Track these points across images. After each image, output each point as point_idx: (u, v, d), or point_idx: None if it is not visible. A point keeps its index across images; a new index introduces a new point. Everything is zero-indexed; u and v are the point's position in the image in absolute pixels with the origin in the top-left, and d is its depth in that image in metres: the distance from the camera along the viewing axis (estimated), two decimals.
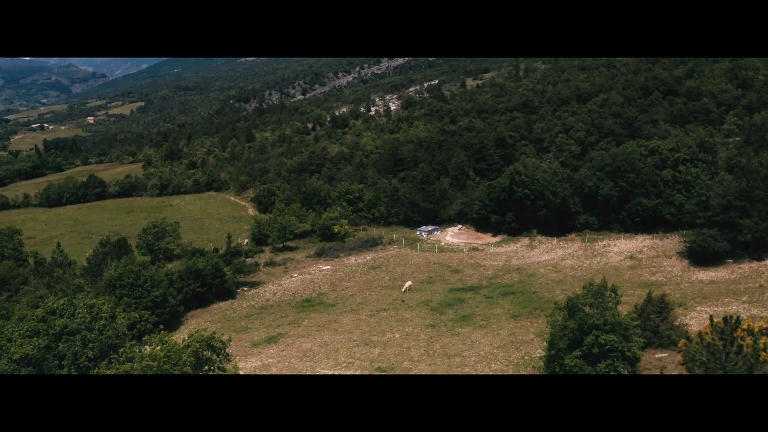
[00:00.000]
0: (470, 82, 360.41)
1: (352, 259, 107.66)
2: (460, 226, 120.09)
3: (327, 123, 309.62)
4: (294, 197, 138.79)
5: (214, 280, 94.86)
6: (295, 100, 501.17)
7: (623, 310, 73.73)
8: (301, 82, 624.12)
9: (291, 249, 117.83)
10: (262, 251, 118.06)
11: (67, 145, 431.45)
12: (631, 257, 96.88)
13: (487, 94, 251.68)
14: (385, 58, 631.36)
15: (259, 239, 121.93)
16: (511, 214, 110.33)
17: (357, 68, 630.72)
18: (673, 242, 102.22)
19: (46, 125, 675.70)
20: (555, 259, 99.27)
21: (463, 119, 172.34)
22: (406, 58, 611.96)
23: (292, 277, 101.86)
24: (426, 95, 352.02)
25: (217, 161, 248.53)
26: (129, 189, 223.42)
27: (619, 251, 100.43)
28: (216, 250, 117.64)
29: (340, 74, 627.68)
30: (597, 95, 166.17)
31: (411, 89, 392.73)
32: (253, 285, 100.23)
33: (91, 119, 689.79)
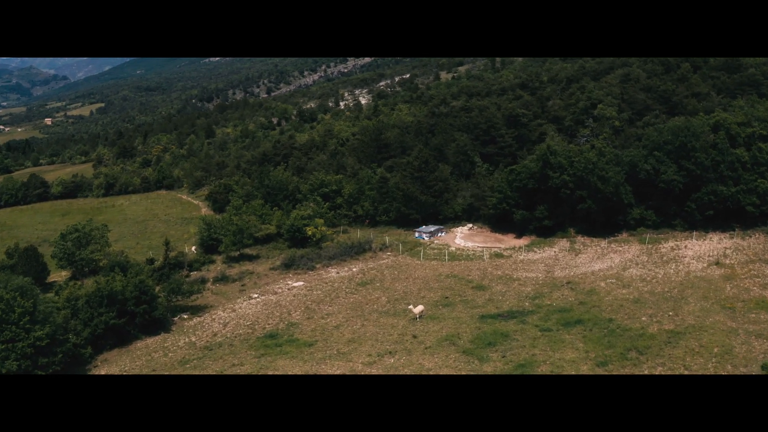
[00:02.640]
0: (444, 76, 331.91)
1: (333, 272, 77.39)
2: (470, 225, 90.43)
3: (294, 118, 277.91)
4: (255, 192, 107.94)
5: (138, 307, 63.96)
6: (260, 98, 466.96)
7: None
8: (265, 81, 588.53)
9: (250, 258, 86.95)
10: (213, 262, 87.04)
11: (20, 146, 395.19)
12: (717, 263, 68.61)
13: (468, 83, 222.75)
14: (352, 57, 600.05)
15: (209, 246, 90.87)
16: (543, 209, 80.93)
17: (323, 66, 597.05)
18: (760, 241, 74.57)
19: (1, 127, 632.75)
20: (613, 267, 70.22)
21: (454, 101, 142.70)
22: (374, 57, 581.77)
23: (250, 298, 71.22)
24: (398, 89, 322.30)
25: (174, 159, 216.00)
26: (73, 189, 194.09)
27: (696, 255, 72.01)
28: (151, 261, 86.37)
29: (305, 73, 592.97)
30: (608, 73, 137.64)
31: (381, 83, 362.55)
32: (197, 310, 69.55)
33: (48, 121, 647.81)
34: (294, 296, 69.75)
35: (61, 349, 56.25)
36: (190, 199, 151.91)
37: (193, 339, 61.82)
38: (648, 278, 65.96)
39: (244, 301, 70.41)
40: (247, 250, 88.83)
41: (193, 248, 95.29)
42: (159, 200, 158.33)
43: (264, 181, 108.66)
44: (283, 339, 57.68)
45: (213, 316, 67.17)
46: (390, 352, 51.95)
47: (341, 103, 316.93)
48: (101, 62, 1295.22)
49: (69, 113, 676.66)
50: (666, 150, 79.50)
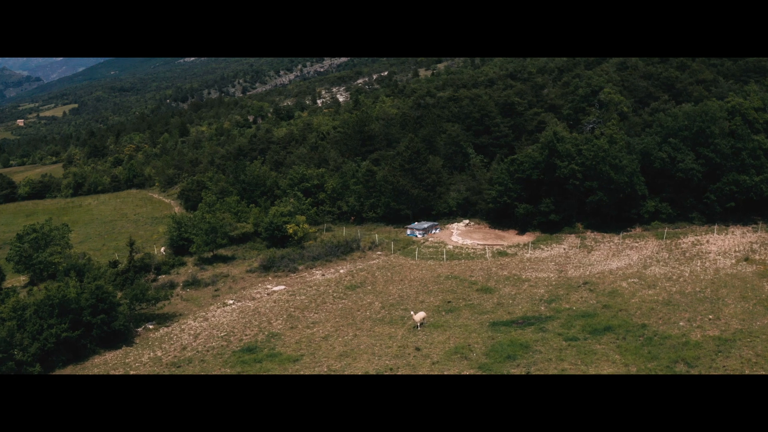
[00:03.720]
0: (423, 72, 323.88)
1: (318, 274, 68.57)
2: (466, 221, 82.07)
3: (270, 115, 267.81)
4: (230, 188, 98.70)
5: (96, 317, 54.72)
6: (236, 97, 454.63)
7: None
8: (241, 81, 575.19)
9: (224, 260, 77.89)
10: (183, 264, 77.83)
11: None
12: (747, 259, 61.08)
13: (451, 77, 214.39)
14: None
15: (180, 247, 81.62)
16: (549, 202, 72.80)
17: (299, 66, 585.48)
18: None
19: None
20: (632, 265, 62.31)
21: (441, 92, 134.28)
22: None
23: (225, 304, 62.15)
24: (377, 86, 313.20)
25: (146, 158, 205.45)
26: (41, 190, 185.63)
27: (721, 251, 64.46)
28: (114, 264, 76.98)
29: (281, 72, 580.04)
30: (602, 63, 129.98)
31: (359, 81, 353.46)
32: (164, 319, 60.35)
33: (20, 122, 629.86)
34: (274, 302, 60.81)
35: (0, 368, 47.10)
36: (161, 197, 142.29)
37: (159, 353, 52.74)
38: (674, 277, 58.12)
39: (217, 308, 61.32)
40: (222, 251, 79.81)
41: (162, 249, 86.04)
42: (129, 199, 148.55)
43: (239, 176, 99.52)
44: (263, 353, 48.81)
45: (182, 326, 58.07)
46: (391, 369, 43.28)
47: (318, 101, 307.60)
48: (75, 63, 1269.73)
49: (42, 114, 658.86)
50: (682, 136, 71.89)
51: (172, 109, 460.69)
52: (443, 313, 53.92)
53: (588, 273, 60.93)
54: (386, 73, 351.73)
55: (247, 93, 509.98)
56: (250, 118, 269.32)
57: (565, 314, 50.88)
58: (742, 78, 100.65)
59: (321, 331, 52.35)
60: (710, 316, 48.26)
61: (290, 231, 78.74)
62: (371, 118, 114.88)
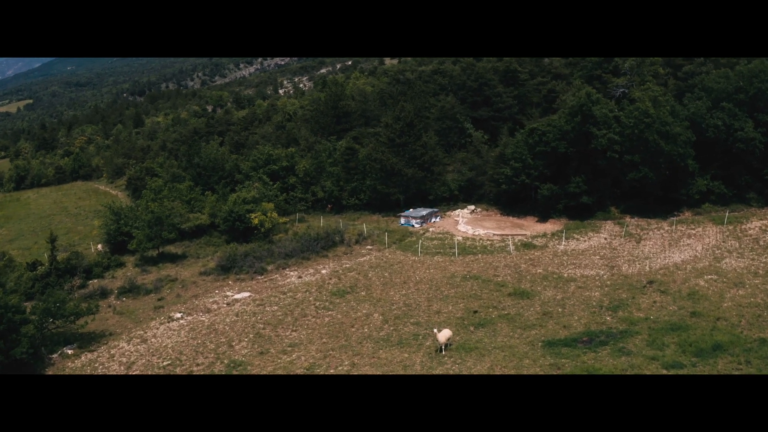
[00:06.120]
0: (389, 61, 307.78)
1: (293, 276, 52.57)
2: (472, 206, 66.77)
3: (230, 104, 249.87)
4: (183, 174, 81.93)
5: None
6: (194, 89, 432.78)
7: None
8: (200, 74, 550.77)
9: (173, 259, 61.19)
10: (122, 265, 61.06)
11: None
12: None
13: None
14: None
15: (119, 243, 64.82)
16: (580, 181, 57.84)
17: (260, 59, 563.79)
18: None
19: None
20: (700, 258, 47.82)
21: (422, 67, 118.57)
22: None
23: (171, 319, 45.79)
24: (342, 75, 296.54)
25: (98, 149, 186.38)
26: None
27: None
28: (33, 266, 59.80)
29: (241, 65, 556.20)
30: None
31: (323, 70, 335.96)
32: (89, 341, 43.92)
33: None
34: (236, 315, 44.71)
35: None
36: (108, 189, 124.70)
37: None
38: (760, 271, 43.85)
39: (160, 324, 45.00)
40: (170, 248, 63.29)
41: (99, 246, 69.23)
42: (72, 191, 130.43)
43: (193, 159, 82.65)
44: None
45: (111, 351, 41.73)
46: None
47: (281, 90, 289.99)
48: (31, 59, 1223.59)
49: None
50: (737, 100, 57.67)
51: (128, 103, 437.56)
52: (471, 328, 38.61)
53: (648, 269, 46.22)
54: (350, 62, 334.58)
55: (206, 86, 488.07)
56: (209, 108, 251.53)
57: (644, 327, 35.97)
58: None
59: (303, 358, 36.60)
60: None
61: (255, 221, 62.64)
62: (345, 94, 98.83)
